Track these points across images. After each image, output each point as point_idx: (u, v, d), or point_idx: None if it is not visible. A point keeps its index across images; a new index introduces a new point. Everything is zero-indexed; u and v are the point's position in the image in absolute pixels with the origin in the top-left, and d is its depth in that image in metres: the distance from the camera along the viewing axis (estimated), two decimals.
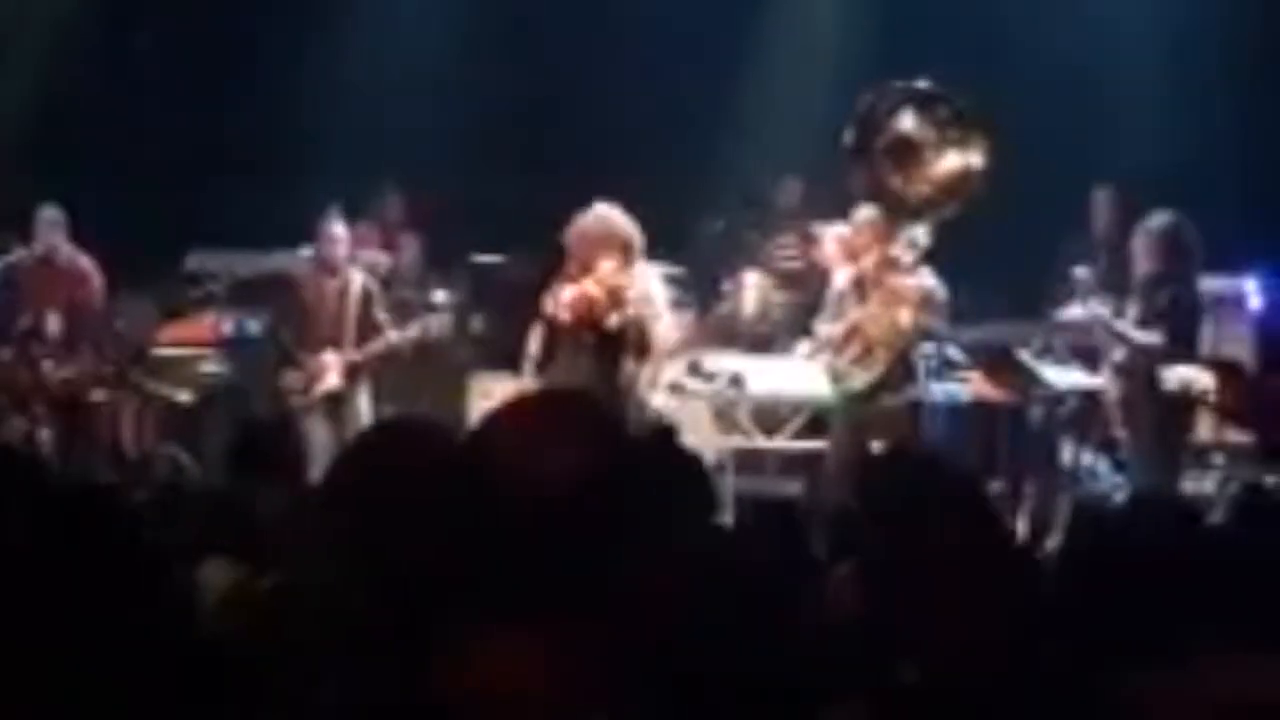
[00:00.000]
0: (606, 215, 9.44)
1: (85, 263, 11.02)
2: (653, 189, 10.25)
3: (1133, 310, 10.02)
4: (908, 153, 9.38)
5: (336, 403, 10.54)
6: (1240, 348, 10.91)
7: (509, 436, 1.92)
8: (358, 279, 10.80)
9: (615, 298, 9.35)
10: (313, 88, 12.84)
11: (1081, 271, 10.66)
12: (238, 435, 6.38)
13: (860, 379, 9.74)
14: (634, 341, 9.45)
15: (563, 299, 9.39)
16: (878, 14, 12.82)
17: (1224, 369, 9.93)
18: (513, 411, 1.99)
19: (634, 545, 1.87)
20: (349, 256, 10.86)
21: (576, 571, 1.82)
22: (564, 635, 1.81)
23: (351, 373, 10.61)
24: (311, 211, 10.94)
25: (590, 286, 9.34)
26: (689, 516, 3.77)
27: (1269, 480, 9.07)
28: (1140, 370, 9.72)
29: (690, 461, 4.23)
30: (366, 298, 10.74)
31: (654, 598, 1.86)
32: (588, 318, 9.36)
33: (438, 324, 11.00)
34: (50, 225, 10.98)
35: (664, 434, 5.36)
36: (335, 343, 10.61)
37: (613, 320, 9.35)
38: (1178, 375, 9.62)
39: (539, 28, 13.49)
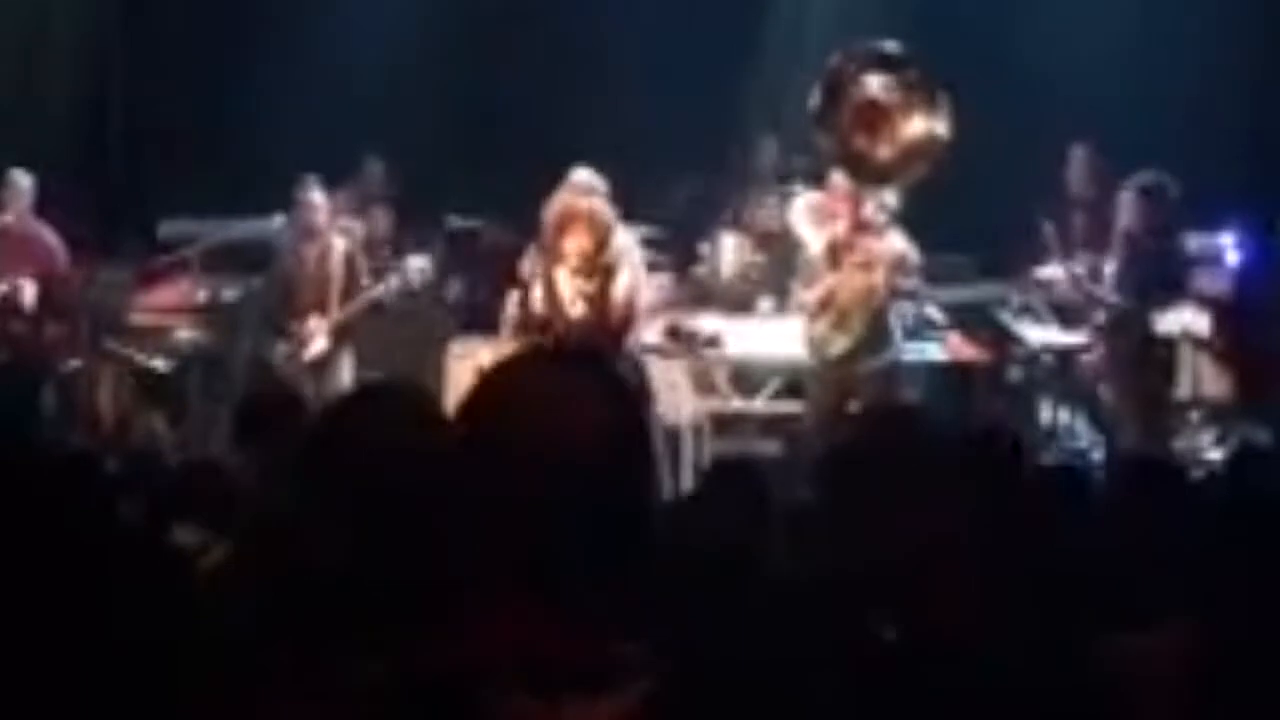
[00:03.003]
0: (579, 197, 9.38)
1: (49, 234, 10.89)
2: (632, 149, 10.22)
3: (1111, 266, 10.06)
4: (875, 116, 9.34)
5: (321, 367, 10.55)
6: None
7: (518, 400, 1.87)
8: (339, 244, 10.81)
9: (596, 292, 9.32)
10: (288, 57, 12.78)
11: (1049, 228, 10.66)
12: (242, 407, 6.34)
13: (838, 344, 9.72)
14: (616, 312, 9.43)
15: (540, 299, 9.35)
16: None
17: (1220, 308, 9.99)
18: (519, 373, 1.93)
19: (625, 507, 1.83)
20: (328, 222, 10.86)
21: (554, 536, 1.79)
22: (530, 604, 1.78)
23: (338, 334, 10.63)
24: (284, 181, 10.91)
25: (567, 291, 9.29)
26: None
27: (1260, 437, 9.10)
28: (1134, 323, 9.76)
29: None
30: (349, 261, 10.76)
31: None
32: (570, 322, 9.32)
33: (418, 271, 10.97)
34: (20, 192, 10.85)
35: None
36: (320, 308, 10.62)
37: (595, 326, 9.30)
38: (1173, 318, 9.68)
39: None
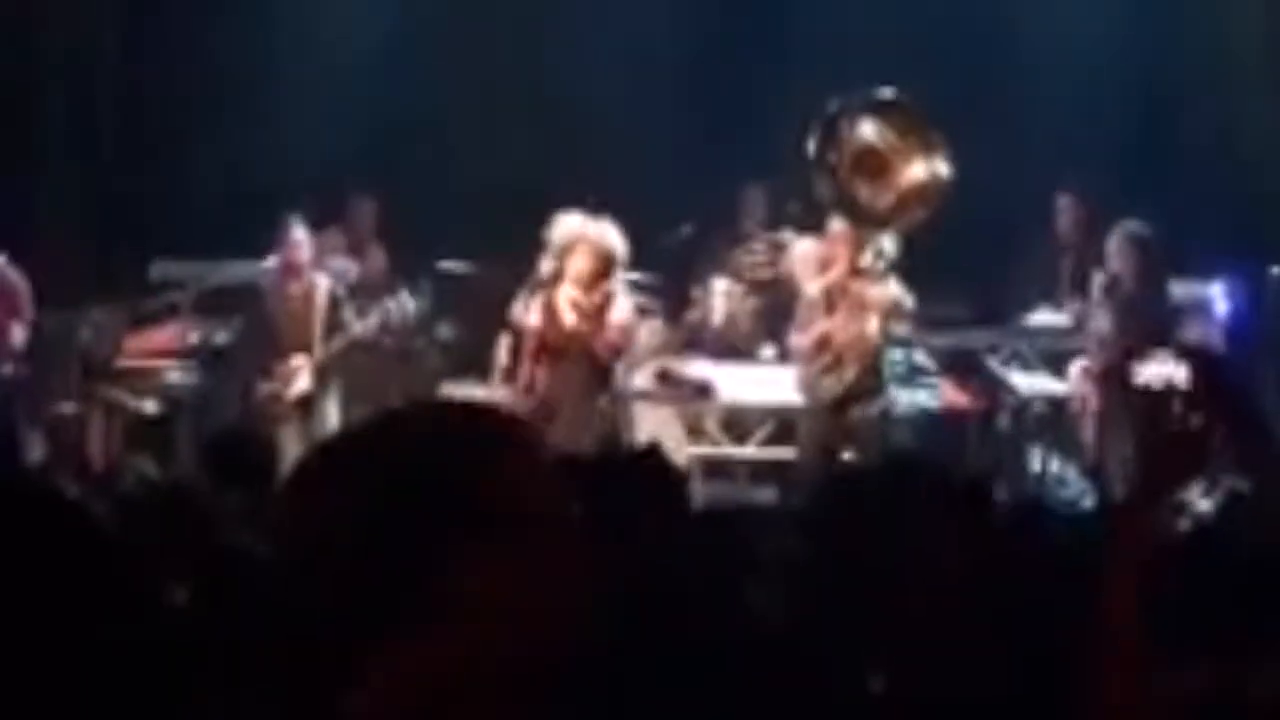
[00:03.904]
0: (595, 224, 9.43)
1: (15, 275, 10.74)
2: (620, 194, 10.21)
3: (1102, 312, 10.09)
4: (873, 162, 9.38)
5: (307, 407, 10.54)
6: None
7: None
8: (323, 283, 10.81)
9: (592, 309, 9.35)
10: (277, 90, 12.81)
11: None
12: (209, 445, 6.36)
13: (830, 389, 9.74)
14: (611, 353, 9.47)
15: (537, 313, 9.37)
16: (842, 21, 12.84)
17: (1197, 357, 10.01)
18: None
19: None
20: (313, 261, 10.85)
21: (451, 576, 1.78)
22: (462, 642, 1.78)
23: (322, 374, 10.62)
24: (277, 219, 10.92)
25: (563, 303, 9.31)
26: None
27: (1243, 486, 9.08)
28: (1117, 373, 9.78)
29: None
30: (333, 301, 10.75)
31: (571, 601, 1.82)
32: (559, 335, 9.34)
33: (398, 309, 10.94)
34: None
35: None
36: (304, 347, 10.62)
37: (586, 338, 9.34)
38: (1154, 370, 9.69)
39: (495, 26, 13.46)
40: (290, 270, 10.73)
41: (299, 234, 10.77)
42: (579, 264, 9.29)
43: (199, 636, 3.46)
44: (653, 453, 4.59)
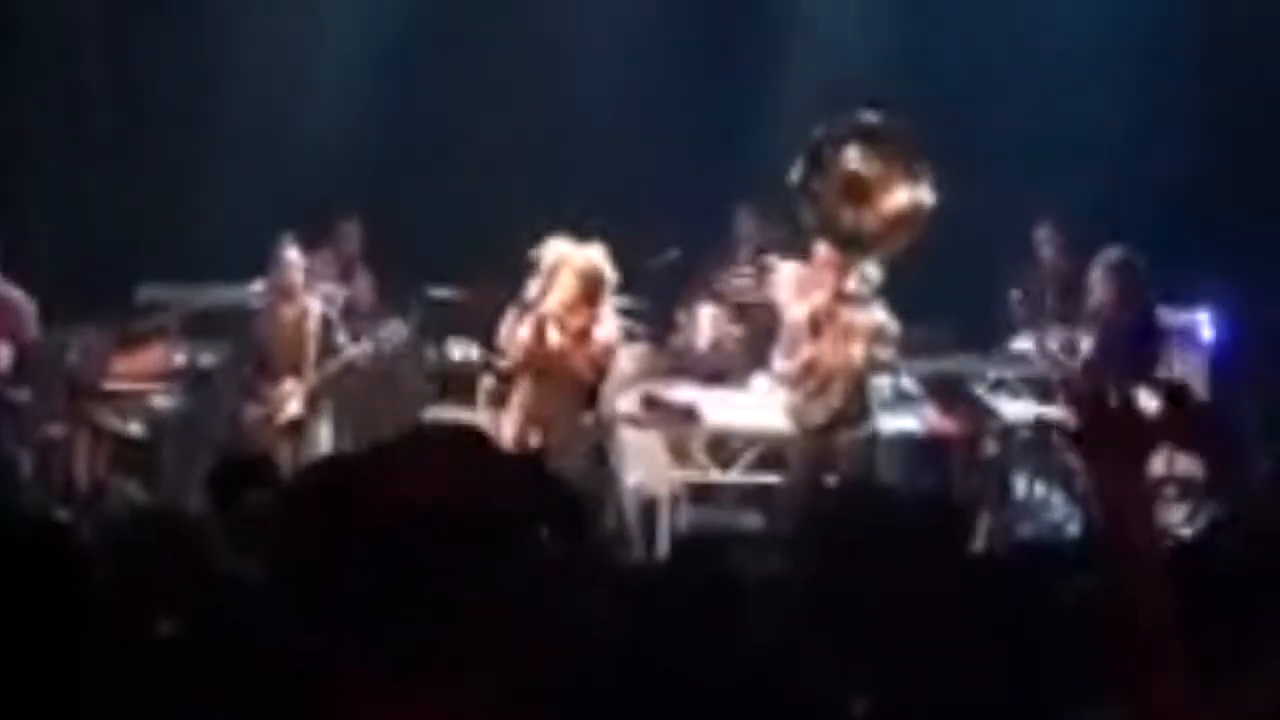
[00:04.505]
0: (583, 248, 9.46)
1: (16, 294, 10.68)
2: (609, 219, 10.23)
3: (1087, 341, 10.10)
4: (857, 188, 9.39)
5: (297, 430, 10.52)
6: (1194, 380, 10.97)
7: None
8: (315, 306, 10.78)
9: (577, 329, 9.37)
10: (267, 113, 12.83)
11: (1016, 296, 10.80)
12: (217, 470, 6.35)
13: (817, 413, 9.75)
14: (595, 372, 9.49)
15: (521, 336, 9.38)
16: (831, 46, 12.89)
17: (1171, 392, 10.01)
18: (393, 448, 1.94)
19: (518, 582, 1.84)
20: (305, 283, 10.83)
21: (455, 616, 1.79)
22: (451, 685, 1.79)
23: (313, 399, 10.59)
24: (264, 243, 10.92)
25: (549, 323, 9.33)
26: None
27: (1224, 513, 9.09)
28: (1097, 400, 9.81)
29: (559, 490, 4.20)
30: (326, 324, 10.72)
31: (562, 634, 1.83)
32: (545, 355, 9.35)
33: (392, 335, 10.95)
34: None
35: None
36: (296, 370, 10.60)
37: (571, 356, 9.36)
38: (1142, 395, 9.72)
39: (482, 50, 13.47)
40: (283, 293, 10.70)
41: (292, 255, 10.75)
42: (566, 286, 9.31)
43: (186, 658, 3.46)
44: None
